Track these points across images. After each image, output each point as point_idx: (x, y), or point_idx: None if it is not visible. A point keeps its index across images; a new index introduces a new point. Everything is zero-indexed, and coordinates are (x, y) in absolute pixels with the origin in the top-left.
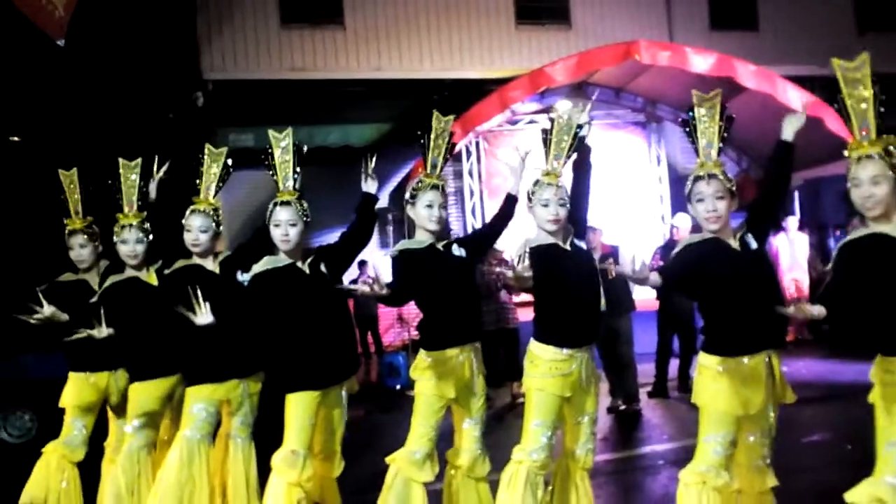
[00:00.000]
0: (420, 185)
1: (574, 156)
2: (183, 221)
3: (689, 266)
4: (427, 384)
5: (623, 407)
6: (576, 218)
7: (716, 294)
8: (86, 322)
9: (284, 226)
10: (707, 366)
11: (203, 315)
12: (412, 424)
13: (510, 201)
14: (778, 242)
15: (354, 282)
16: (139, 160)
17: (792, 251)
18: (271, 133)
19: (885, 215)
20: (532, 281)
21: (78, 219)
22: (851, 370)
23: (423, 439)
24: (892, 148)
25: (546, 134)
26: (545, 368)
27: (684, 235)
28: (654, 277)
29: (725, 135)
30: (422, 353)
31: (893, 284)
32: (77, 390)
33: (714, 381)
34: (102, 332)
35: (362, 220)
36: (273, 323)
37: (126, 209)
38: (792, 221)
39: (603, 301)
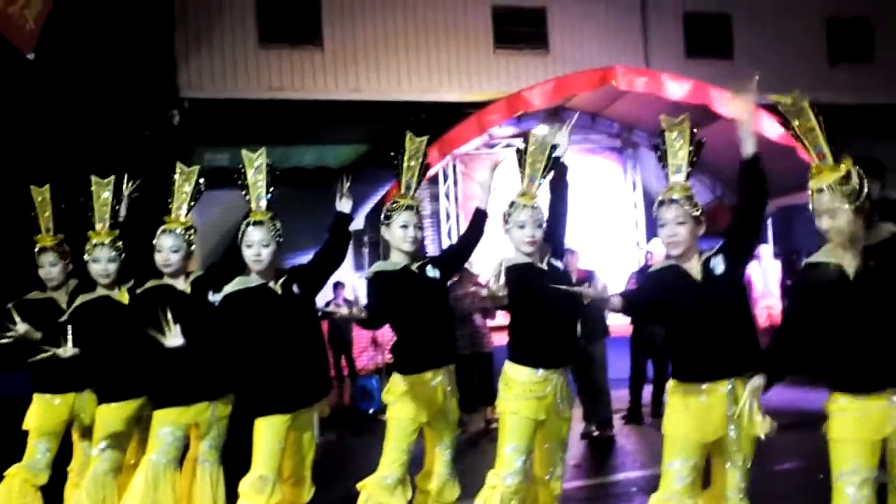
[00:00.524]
0: (395, 205)
1: (551, 175)
2: (154, 241)
3: (650, 292)
4: (400, 408)
5: (596, 433)
6: (553, 237)
7: (674, 320)
8: (53, 341)
9: (257, 246)
10: (670, 391)
11: (173, 337)
12: (384, 449)
13: (480, 216)
14: (751, 270)
15: (328, 304)
16: (112, 178)
17: (765, 279)
18: (244, 153)
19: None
20: (507, 299)
21: (48, 236)
22: (823, 397)
23: (394, 464)
24: (851, 171)
25: (521, 154)
26: (519, 390)
27: (659, 261)
28: (616, 301)
29: (695, 159)
30: (395, 376)
31: (843, 317)
32: (42, 412)
33: (675, 407)
34: (68, 351)
35: (335, 240)
36: (243, 344)
37: (98, 227)
38: (765, 249)
39: (578, 326)
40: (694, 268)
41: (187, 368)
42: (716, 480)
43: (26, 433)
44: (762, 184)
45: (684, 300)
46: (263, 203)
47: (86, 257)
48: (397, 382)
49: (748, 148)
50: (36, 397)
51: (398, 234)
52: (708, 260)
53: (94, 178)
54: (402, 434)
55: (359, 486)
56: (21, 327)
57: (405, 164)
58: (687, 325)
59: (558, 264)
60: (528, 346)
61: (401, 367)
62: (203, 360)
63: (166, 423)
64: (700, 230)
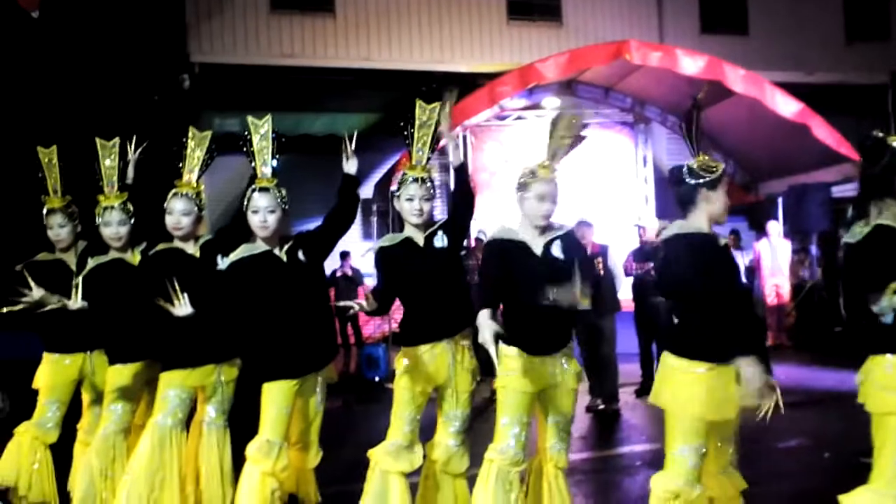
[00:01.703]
0: (404, 178)
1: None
2: (165, 205)
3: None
4: (406, 378)
5: (602, 406)
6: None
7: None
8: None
9: (263, 212)
10: (683, 370)
11: (182, 307)
12: (392, 417)
13: (459, 172)
14: (760, 248)
15: (335, 273)
16: (116, 140)
17: (774, 257)
18: (250, 119)
19: None
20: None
21: (56, 197)
22: (830, 377)
23: (399, 431)
24: None
25: (554, 126)
26: (511, 364)
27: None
28: None
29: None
30: (402, 348)
31: None
32: (51, 371)
33: (690, 387)
34: (76, 303)
35: (344, 202)
36: (249, 310)
37: (107, 190)
38: (774, 227)
39: (587, 301)
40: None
41: (194, 331)
42: (710, 457)
43: (36, 393)
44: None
45: (721, 275)
46: (269, 170)
47: (97, 221)
48: (403, 353)
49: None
50: (46, 356)
51: (406, 206)
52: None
53: (99, 142)
54: (406, 403)
55: (369, 453)
56: (37, 293)
57: (416, 134)
58: (722, 300)
59: (558, 253)
60: (515, 329)
61: (405, 338)
62: (210, 323)
63: (172, 385)
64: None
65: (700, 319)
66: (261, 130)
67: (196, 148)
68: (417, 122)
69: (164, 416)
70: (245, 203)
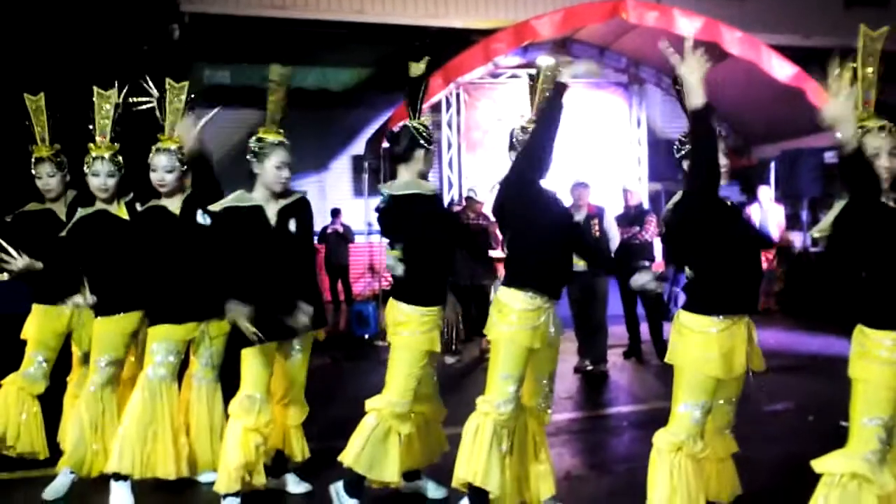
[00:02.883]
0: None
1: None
2: (148, 160)
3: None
4: (412, 338)
5: (590, 368)
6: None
7: (719, 252)
8: (53, 253)
9: (285, 168)
10: (694, 328)
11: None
12: (395, 374)
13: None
14: (751, 212)
15: (325, 229)
16: (114, 90)
17: (764, 222)
18: (274, 67)
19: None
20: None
21: (44, 146)
22: (816, 342)
23: (407, 391)
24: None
25: (533, 82)
26: (514, 318)
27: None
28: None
29: None
30: (408, 307)
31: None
32: (39, 322)
33: (701, 344)
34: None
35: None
36: (231, 263)
37: (98, 140)
38: (765, 192)
39: (582, 261)
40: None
41: (179, 288)
42: (710, 418)
43: (24, 346)
44: (711, 137)
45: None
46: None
47: (85, 170)
48: (410, 312)
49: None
50: (34, 308)
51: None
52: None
53: (96, 90)
54: (413, 362)
55: (367, 405)
56: (20, 261)
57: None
58: (733, 256)
59: (552, 191)
60: (524, 268)
61: (408, 297)
62: (194, 280)
63: (159, 339)
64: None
65: (713, 273)
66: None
67: (174, 99)
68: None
69: (154, 370)
70: (259, 154)
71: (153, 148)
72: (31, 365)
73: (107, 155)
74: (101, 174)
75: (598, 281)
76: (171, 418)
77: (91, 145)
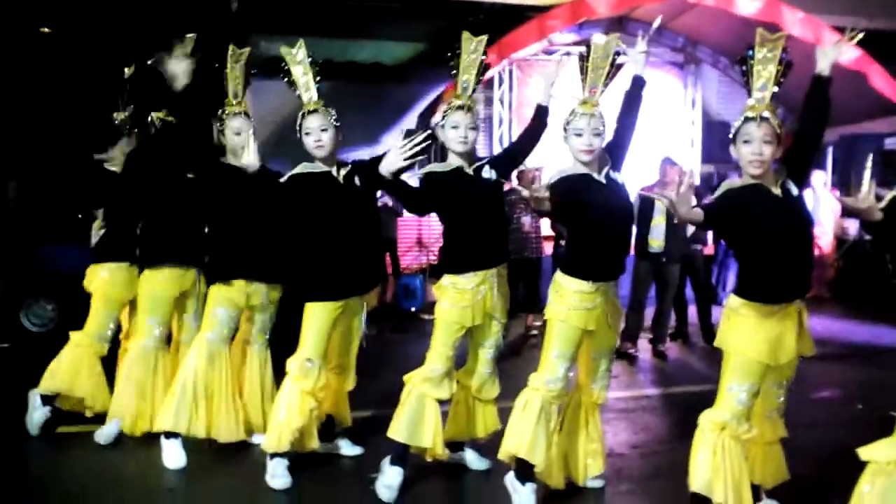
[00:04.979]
0: (450, 105)
1: (627, 87)
2: (218, 125)
3: (732, 210)
4: (448, 309)
5: (632, 350)
6: (616, 149)
7: (758, 241)
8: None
9: (316, 132)
10: (742, 313)
11: (249, 155)
12: (431, 344)
13: (540, 112)
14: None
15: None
16: (246, 50)
17: (816, 208)
18: (283, 49)
19: None
20: (549, 204)
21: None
22: (867, 331)
23: (442, 357)
24: None
25: (583, 62)
26: (570, 300)
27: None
28: (697, 212)
29: (781, 80)
30: (445, 276)
31: None
32: (112, 282)
33: (749, 329)
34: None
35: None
36: (302, 227)
37: (230, 98)
38: (819, 177)
39: (660, 242)
40: (776, 189)
41: (245, 248)
42: (759, 400)
43: (85, 304)
44: (827, 109)
45: (773, 221)
46: (314, 94)
47: (217, 127)
48: (446, 282)
49: (823, 67)
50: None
51: (450, 134)
52: (784, 181)
53: (231, 47)
54: (449, 332)
55: (405, 378)
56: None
57: (462, 65)
58: (773, 245)
59: (616, 177)
60: (580, 258)
61: (451, 266)
62: (261, 241)
63: (221, 304)
64: (778, 152)
65: (755, 262)
66: (297, 58)
67: (234, 65)
68: (464, 52)
69: (213, 333)
70: (297, 129)
71: (224, 112)
72: (103, 327)
73: (238, 111)
74: (242, 130)
75: (670, 268)
76: (229, 381)
77: (226, 102)
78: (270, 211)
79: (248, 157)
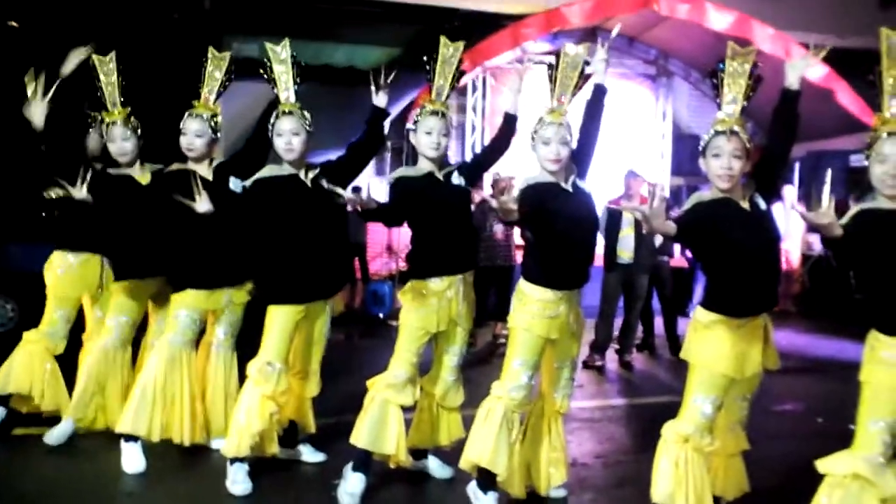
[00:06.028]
0: (423, 111)
1: (588, 96)
2: (180, 125)
3: (702, 224)
4: (413, 314)
5: (599, 363)
6: (580, 158)
7: (726, 255)
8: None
9: (287, 135)
10: (708, 326)
11: (202, 203)
12: (395, 350)
13: (509, 120)
14: (773, 212)
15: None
16: (112, 55)
17: (786, 221)
18: (268, 45)
19: None
20: (517, 214)
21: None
22: (830, 346)
23: (405, 363)
24: None
25: (552, 71)
26: (533, 308)
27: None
28: (670, 225)
29: (751, 94)
30: (411, 281)
31: None
32: (65, 276)
33: (715, 342)
34: (80, 193)
35: (371, 134)
36: (266, 231)
37: (109, 107)
38: (790, 192)
39: (629, 254)
40: (744, 203)
41: (206, 254)
42: (722, 412)
43: (44, 303)
44: (795, 123)
45: (740, 234)
46: (291, 95)
47: (101, 137)
48: (412, 287)
49: (792, 81)
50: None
51: (423, 140)
52: (752, 195)
53: (96, 58)
54: (413, 338)
55: (368, 382)
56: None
57: (438, 69)
58: (740, 259)
59: (583, 185)
60: (544, 266)
61: (417, 271)
62: (222, 246)
63: (184, 306)
64: (747, 167)
65: (721, 275)
66: (280, 57)
67: (214, 69)
68: (441, 58)
69: (175, 335)
70: (270, 128)
71: (186, 113)
72: (55, 324)
73: (119, 120)
74: (116, 139)
75: (639, 279)
76: (190, 384)
77: (103, 113)
78: (228, 219)
79: (201, 206)
